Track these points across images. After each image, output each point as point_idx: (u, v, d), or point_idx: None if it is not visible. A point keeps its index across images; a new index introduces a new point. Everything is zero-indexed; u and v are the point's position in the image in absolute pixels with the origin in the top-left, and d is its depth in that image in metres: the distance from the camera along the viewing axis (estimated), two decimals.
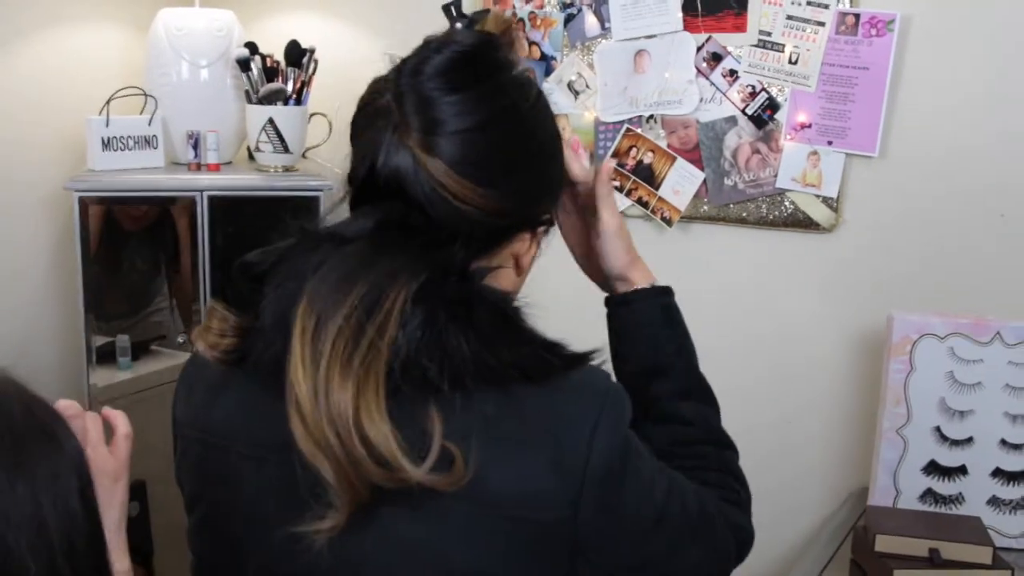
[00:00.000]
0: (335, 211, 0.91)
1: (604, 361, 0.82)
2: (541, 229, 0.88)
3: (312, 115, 2.17)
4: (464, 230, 0.79)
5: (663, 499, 0.82)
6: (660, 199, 1.94)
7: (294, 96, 2.14)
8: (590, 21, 1.95)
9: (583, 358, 0.81)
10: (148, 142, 2.12)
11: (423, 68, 0.80)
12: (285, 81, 2.14)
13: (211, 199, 2.04)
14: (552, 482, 0.75)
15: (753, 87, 1.84)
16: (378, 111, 0.82)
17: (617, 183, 1.96)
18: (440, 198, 0.79)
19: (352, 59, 2.16)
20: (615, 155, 1.96)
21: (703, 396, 1.00)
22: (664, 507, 0.82)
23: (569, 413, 0.77)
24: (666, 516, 0.82)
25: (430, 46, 0.82)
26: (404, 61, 0.82)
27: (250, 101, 2.14)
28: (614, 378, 0.85)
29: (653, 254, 1.96)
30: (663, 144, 1.92)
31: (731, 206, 1.90)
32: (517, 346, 0.78)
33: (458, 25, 0.83)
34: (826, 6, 1.76)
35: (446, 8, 0.84)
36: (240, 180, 2.09)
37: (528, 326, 0.81)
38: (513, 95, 0.83)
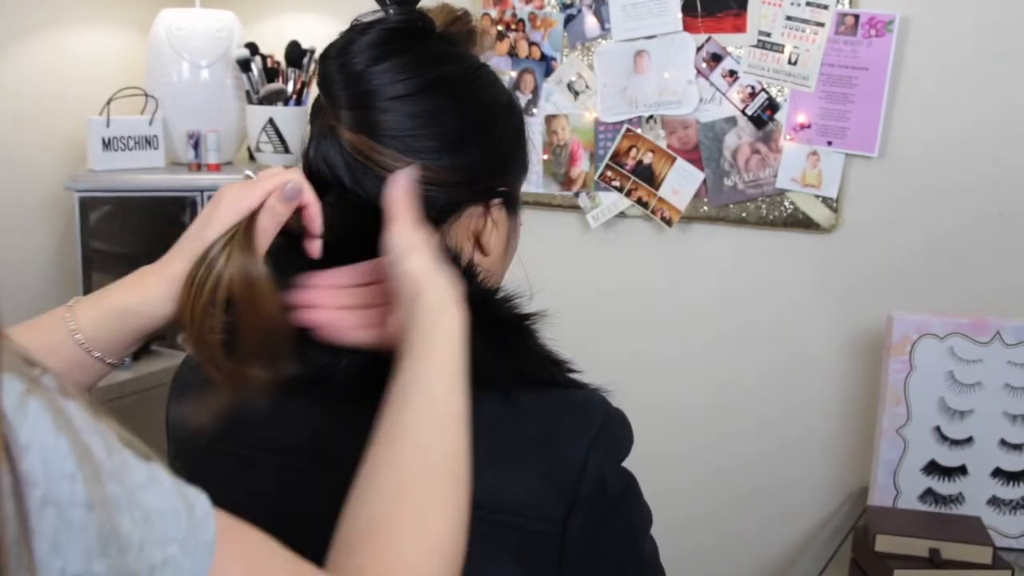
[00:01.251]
0: None
1: (611, 393, 0.80)
2: (495, 202, 0.82)
3: None
4: None
5: (651, 557, 0.80)
6: (660, 199, 1.94)
7: (294, 96, 2.14)
8: (590, 22, 1.95)
9: (588, 386, 0.79)
10: (149, 142, 2.12)
11: (349, 48, 0.78)
12: (285, 81, 2.14)
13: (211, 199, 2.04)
14: (544, 493, 0.74)
15: (753, 87, 1.84)
16: (314, 109, 0.81)
17: (617, 183, 1.96)
18: (373, 178, 0.76)
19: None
20: (615, 155, 1.96)
21: None
22: (647, 564, 0.80)
23: (567, 427, 0.76)
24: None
25: (355, 28, 0.79)
26: (329, 46, 0.80)
27: (250, 101, 2.14)
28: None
29: (653, 254, 1.98)
30: (663, 144, 1.92)
31: (731, 206, 1.90)
32: (523, 358, 0.77)
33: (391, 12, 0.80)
34: (825, 7, 1.77)
35: None
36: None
37: (537, 340, 0.79)
38: (450, 64, 0.80)
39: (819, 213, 1.83)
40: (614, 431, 0.78)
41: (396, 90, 0.76)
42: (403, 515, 0.61)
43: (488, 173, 0.82)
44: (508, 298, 0.80)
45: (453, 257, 0.79)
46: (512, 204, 0.86)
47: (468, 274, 0.78)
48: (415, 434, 0.64)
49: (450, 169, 0.78)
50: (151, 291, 0.75)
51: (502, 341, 0.77)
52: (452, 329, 0.68)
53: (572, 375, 0.80)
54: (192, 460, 0.86)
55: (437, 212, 0.78)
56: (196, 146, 2.14)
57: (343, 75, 0.78)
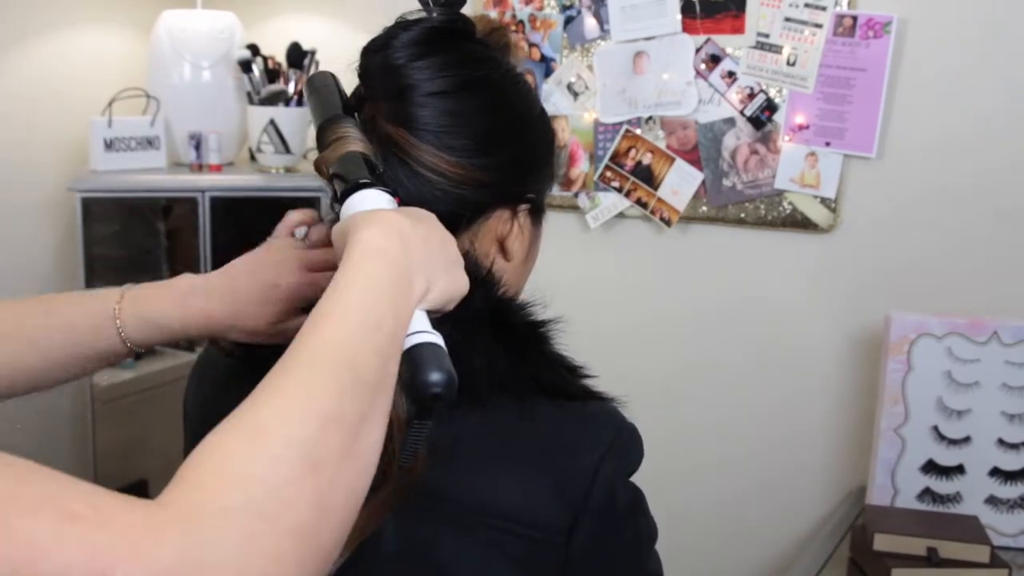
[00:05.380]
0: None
1: (625, 405, 0.81)
2: (522, 207, 0.83)
3: None
4: (436, 204, 0.76)
5: (655, 572, 0.81)
6: (659, 200, 1.95)
7: (295, 97, 2.15)
8: (589, 23, 1.95)
9: (603, 396, 0.80)
10: (150, 143, 2.13)
11: (391, 43, 0.78)
12: (286, 82, 2.15)
13: (213, 200, 2.05)
14: (552, 504, 0.74)
15: (751, 88, 1.85)
16: (355, 100, 0.82)
17: (616, 183, 1.97)
18: (409, 172, 0.77)
19: (354, 61, 2.17)
20: (614, 156, 1.97)
21: None
22: None
23: (579, 439, 0.76)
24: None
25: (399, 24, 0.80)
26: (371, 41, 0.80)
27: (251, 102, 2.15)
28: None
29: (652, 254, 1.99)
30: (662, 145, 1.93)
31: (730, 207, 1.90)
32: (538, 365, 0.77)
33: (434, 15, 0.81)
34: (824, 8, 1.77)
35: None
36: (241, 181, 2.10)
37: (552, 347, 0.79)
38: (489, 65, 0.81)
39: (817, 213, 1.84)
40: (625, 445, 0.78)
41: (435, 86, 0.77)
42: (278, 386, 0.54)
43: (519, 177, 0.83)
44: (523, 305, 0.80)
45: (475, 263, 0.79)
46: (538, 212, 0.86)
47: (489, 282, 0.79)
48: (316, 334, 0.57)
49: (483, 169, 0.78)
50: (191, 313, 0.78)
51: (518, 348, 0.77)
52: (369, 241, 0.63)
53: (586, 381, 0.80)
54: None
55: (468, 211, 0.79)
56: (198, 147, 2.14)
57: (384, 69, 0.78)
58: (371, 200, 0.69)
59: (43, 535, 0.43)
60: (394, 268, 0.62)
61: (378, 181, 0.71)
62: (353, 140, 0.75)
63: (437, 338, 0.63)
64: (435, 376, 0.60)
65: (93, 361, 0.81)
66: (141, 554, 0.44)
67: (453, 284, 0.68)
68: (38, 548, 0.42)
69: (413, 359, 0.61)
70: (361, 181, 0.70)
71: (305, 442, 0.51)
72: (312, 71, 2.15)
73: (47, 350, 0.79)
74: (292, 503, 0.49)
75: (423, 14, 0.80)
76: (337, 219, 0.71)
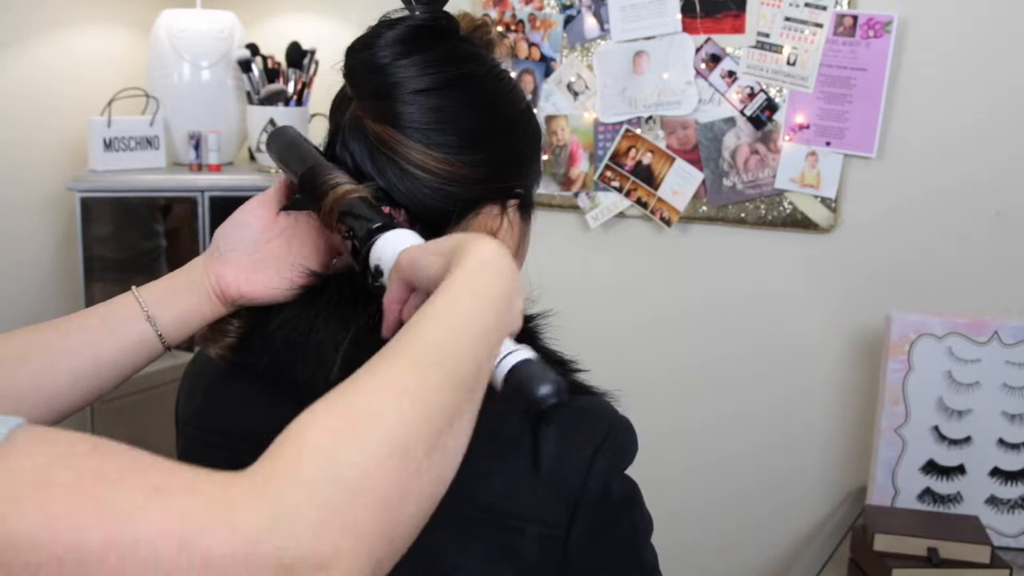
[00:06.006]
0: None
1: (617, 399, 0.81)
2: (511, 203, 0.83)
3: (313, 116, 2.17)
4: (425, 202, 0.78)
5: (651, 564, 0.81)
6: (659, 199, 1.94)
7: (295, 97, 2.14)
8: (589, 22, 1.95)
9: (595, 390, 0.80)
10: (150, 143, 2.13)
11: (375, 42, 0.79)
12: (286, 82, 2.15)
13: (212, 199, 2.04)
14: (548, 499, 0.74)
15: (751, 88, 1.85)
16: (337, 102, 0.83)
17: (616, 183, 1.97)
18: (396, 169, 0.77)
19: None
20: (614, 156, 1.96)
21: None
22: (647, 572, 0.80)
23: (573, 433, 0.76)
24: None
25: (382, 23, 0.80)
26: (356, 40, 0.81)
27: (251, 102, 2.15)
28: None
29: (652, 254, 1.99)
30: (662, 145, 1.93)
31: (730, 206, 1.90)
32: None
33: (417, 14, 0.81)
34: (824, 8, 1.77)
35: None
36: (241, 181, 2.10)
37: (542, 342, 0.80)
38: (473, 62, 0.81)
39: (818, 213, 1.84)
40: (619, 439, 0.78)
41: (421, 83, 0.78)
42: (382, 375, 0.56)
43: (507, 172, 0.83)
44: None
45: None
46: (527, 208, 0.87)
47: None
48: (426, 333, 0.60)
49: (471, 165, 0.79)
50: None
51: None
52: (485, 254, 0.65)
53: (578, 375, 0.80)
54: (200, 455, 0.86)
55: (457, 208, 0.79)
56: (197, 146, 2.14)
57: (369, 68, 0.79)
58: (408, 237, 0.72)
59: (132, 505, 0.46)
60: (504, 284, 0.65)
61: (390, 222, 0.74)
62: (353, 185, 0.76)
63: (532, 353, 0.65)
64: (546, 389, 0.63)
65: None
66: (224, 520, 0.46)
67: (520, 316, 0.70)
68: (128, 517, 0.46)
69: (521, 376, 0.64)
70: (385, 223, 0.73)
71: (400, 429, 0.54)
72: (312, 71, 2.15)
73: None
74: (376, 483, 0.51)
75: (407, 12, 0.80)
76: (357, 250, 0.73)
